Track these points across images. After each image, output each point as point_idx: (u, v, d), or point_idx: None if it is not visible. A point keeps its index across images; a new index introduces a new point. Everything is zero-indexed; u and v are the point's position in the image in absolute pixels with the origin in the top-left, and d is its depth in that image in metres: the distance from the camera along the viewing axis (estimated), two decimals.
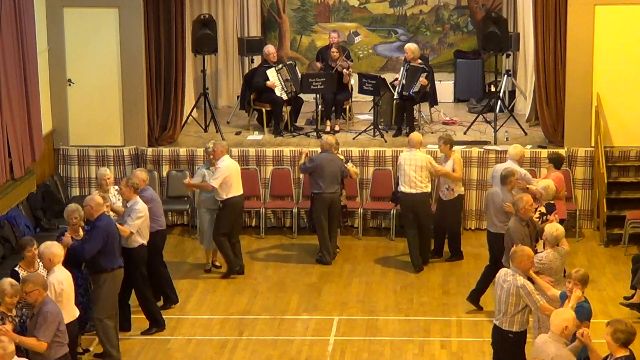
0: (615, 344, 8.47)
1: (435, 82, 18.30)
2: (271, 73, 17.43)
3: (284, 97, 17.46)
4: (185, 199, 16.29)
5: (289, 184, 16.39)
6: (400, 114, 17.43)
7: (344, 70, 17.81)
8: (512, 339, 10.10)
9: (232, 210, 14.30)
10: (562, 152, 15.93)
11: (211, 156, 14.37)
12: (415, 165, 14.48)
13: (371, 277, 14.54)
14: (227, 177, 14.15)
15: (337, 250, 15.37)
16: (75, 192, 16.62)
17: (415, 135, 14.95)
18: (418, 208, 14.58)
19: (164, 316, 12.93)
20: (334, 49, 17.89)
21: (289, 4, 20.27)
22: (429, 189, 14.68)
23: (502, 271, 10.29)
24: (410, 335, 12.58)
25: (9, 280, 9.65)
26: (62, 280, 10.30)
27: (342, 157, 15.27)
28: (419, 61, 17.34)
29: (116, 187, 13.24)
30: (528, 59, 18.53)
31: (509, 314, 10.04)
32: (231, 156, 16.23)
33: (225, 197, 14.19)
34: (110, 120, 16.73)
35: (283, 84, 17.46)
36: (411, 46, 17.58)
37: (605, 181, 15.55)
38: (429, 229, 14.86)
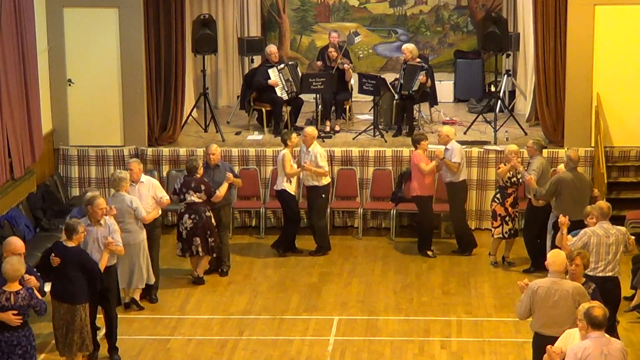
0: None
1: (435, 82, 18.31)
2: (273, 72, 17.43)
3: (285, 97, 17.46)
4: None
5: None
6: (400, 114, 17.44)
7: (345, 65, 17.79)
8: (618, 281, 11.50)
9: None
10: (563, 152, 15.94)
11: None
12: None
13: (371, 277, 14.53)
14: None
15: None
16: (75, 192, 16.61)
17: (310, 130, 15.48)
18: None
19: (161, 315, 13.04)
20: (331, 49, 17.88)
21: (289, 4, 20.27)
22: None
23: (597, 229, 11.29)
24: (410, 335, 12.58)
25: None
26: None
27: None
28: (418, 60, 17.35)
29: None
30: (528, 59, 18.53)
31: (617, 261, 11.39)
32: (231, 156, 16.33)
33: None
34: (110, 120, 16.73)
35: (284, 83, 17.46)
36: (408, 46, 17.60)
37: (605, 181, 15.54)
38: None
